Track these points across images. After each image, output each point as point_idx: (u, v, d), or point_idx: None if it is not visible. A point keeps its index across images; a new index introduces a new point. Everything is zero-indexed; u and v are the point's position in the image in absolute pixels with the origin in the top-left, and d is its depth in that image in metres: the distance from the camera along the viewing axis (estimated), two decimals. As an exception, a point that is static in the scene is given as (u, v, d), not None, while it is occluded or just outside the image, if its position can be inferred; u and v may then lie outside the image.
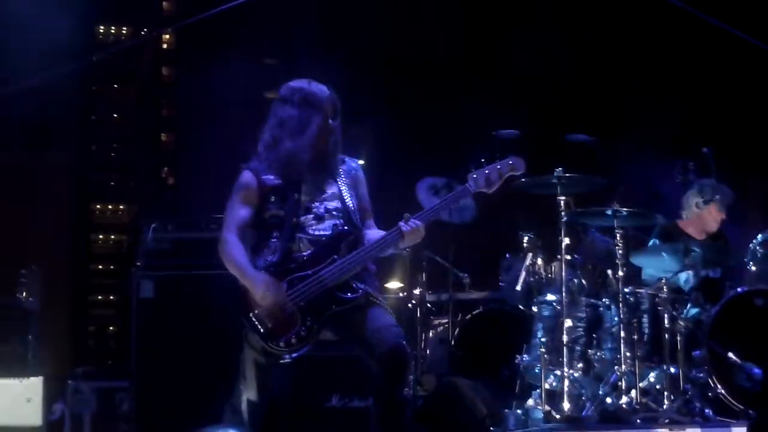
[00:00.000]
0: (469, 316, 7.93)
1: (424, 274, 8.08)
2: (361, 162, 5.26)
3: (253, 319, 4.72)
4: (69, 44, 8.68)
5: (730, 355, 6.44)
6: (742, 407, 6.36)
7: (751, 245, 6.99)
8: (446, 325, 8.09)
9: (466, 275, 8.53)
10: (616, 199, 6.54)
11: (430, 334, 8.23)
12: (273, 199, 4.90)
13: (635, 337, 6.42)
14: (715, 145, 7.56)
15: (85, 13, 8.94)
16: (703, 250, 6.70)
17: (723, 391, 6.43)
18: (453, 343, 7.79)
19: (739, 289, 6.72)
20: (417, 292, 8.13)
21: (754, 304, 6.64)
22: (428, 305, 8.20)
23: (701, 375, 6.51)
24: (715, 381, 6.46)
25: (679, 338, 6.48)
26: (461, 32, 8.01)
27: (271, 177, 4.92)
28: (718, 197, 7.33)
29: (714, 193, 7.33)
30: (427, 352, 8.05)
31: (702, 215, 7.37)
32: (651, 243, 7.18)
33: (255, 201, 4.91)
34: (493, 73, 8.32)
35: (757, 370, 6.37)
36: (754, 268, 6.96)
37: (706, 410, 6.29)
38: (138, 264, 6.66)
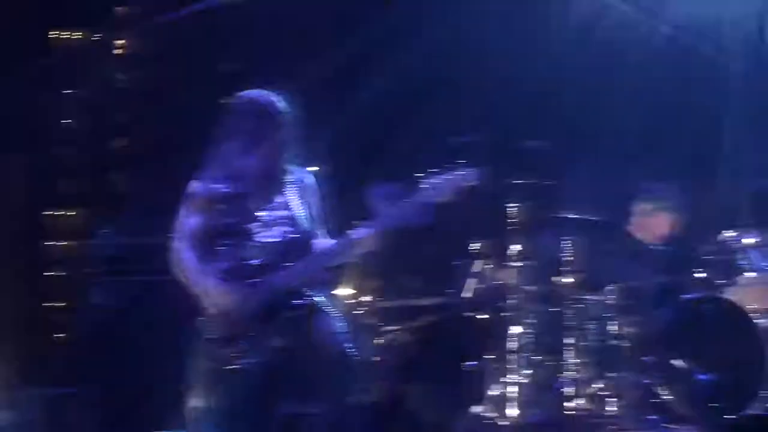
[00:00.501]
0: (422, 322, 7.95)
1: (375, 281, 8.09)
2: (315, 169, 5.28)
3: (204, 325, 4.74)
4: (21, 48, 8.64)
5: (679, 361, 6.51)
6: (690, 414, 6.42)
7: (701, 249, 7.05)
8: (398, 332, 8.10)
9: (418, 281, 8.54)
10: (568, 205, 6.62)
11: (382, 341, 8.23)
12: (223, 208, 4.92)
13: (585, 343, 6.50)
14: (671, 146, 7.66)
15: (39, 17, 8.88)
16: (654, 255, 6.76)
17: (671, 398, 6.50)
18: (404, 350, 7.80)
19: (689, 295, 6.81)
20: (368, 298, 8.13)
21: (704, 311, 6.72)
22: (380, 312, 8.21)
23: (650, 381, 6.57)
24: (664, 387, 6.52)
25: (628, 344, 6.55)
26: (418, 36, 8.04)
27: (221, 186, 4.94)
28: (669, 202, 7.40)
29: (665, 198, 7.40)
30: (378, 359, 8.05)
31: (653, 220, 7.42)
32: (602, 248, 7.18)
33: (205, 210, 4.92)
34: (448, 78, 8.34)
35: (705, 377, 6.45)
36: (705, 274, 7.01)
37: (654, 417, 6.36)
38: (89, 270, 6.64)
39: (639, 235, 7.44)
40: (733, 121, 8.01)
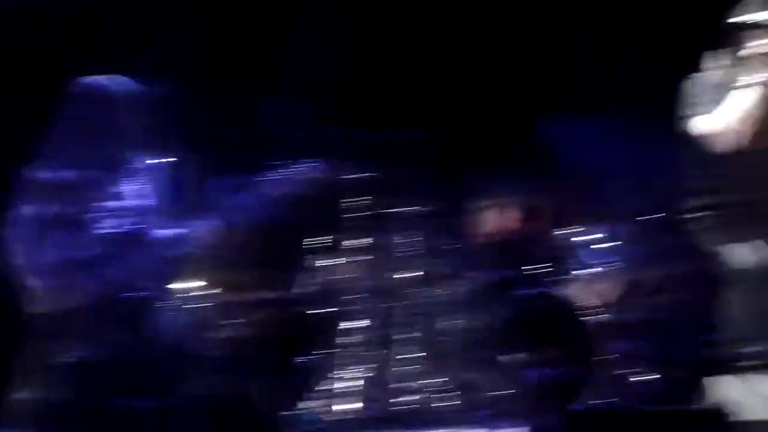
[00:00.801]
0: (261, 316, 7.93)
1: (216, 274, 8.03)
2: (163, 159, 5.22)
3: (36, 317, 4.65)
4: None
5: (516, 356, 6.63)
6: (521, 409, 6.51)
7: (543, 245, 7.20)
8: (236, 326, 8.06)
9: (259, 275, 8.51)
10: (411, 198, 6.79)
11: (220, 335, 8.18)
12: (58, 196, 4.82)
13: (421, 337, 6.60)
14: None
15: None
16: (494, 251, 6.93)
17: (509, 393, 6.60)
18: (242, 344, 7.76)
19: (527, 291, 6.89)
20: (208, 292, 8.07)
21: (542, 306, 6.85)
22: (219, 306, 8.16)
23: (486, 376, 6.65)
24: (500, 382, 6.62)
25: (463, 339, 6.66)
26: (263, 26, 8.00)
27: (57, 174, 4.84)
28: (509, 198, 7.48)
29: (508, 196, 7.47)
30: (216, 353, 8.01)
31: (492, 216, 7.49)
32: (440, 243, 7.20)
33: (38, 198, 4.82)
34: (293, 67, 8.30)
35: (532, 372, 6.59)
36: (541, 270, 7.08)
37: (490, 412, 6.46)
38: None
39: (477, 229, 7.48)
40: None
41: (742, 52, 5.09)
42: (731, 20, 5.16)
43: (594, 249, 7.21)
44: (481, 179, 7.54)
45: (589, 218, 7.33)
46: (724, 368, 4.96)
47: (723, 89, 5.10)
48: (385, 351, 6.73)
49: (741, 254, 5.00)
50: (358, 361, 6.58)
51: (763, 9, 5.10)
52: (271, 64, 8.04)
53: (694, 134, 5.14)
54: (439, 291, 6.88)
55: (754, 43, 5.04)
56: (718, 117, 5.04)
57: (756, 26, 5.06)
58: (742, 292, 4.98)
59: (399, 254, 6.96)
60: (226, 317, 8.34)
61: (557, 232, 7.24)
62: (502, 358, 6.65)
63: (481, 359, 6.74)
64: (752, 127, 4.99)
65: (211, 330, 7.95)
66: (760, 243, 5.01)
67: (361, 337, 6.71)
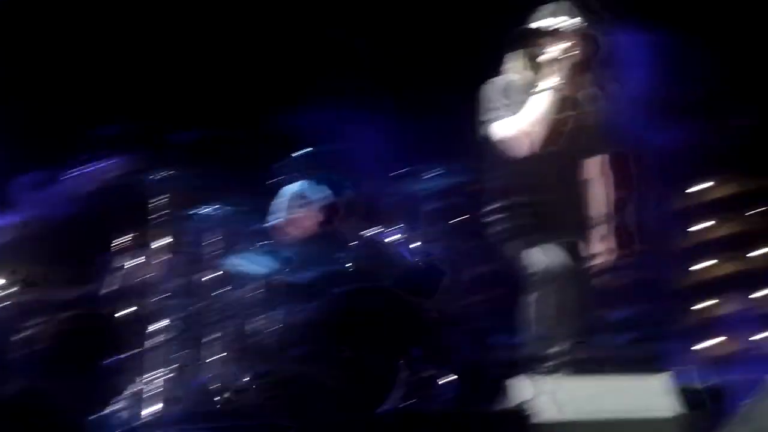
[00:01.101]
0: (62, 316, 7.77)
1: (17, 272, 7.83)
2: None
3: None
4: None
5: (326, 354, 6.60)
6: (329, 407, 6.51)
7: (353, 245, 7.26)
8: (38, 326, 7.88)
9: (61, 273, 8.33)
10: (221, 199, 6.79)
11: (21, 334, 7.98)
12: None
13: (231, 337, 6.60)
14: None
15: None
16: (303, 250, 6.99)
17: (314, 391, 6.55)
18: (44, 344, 7.59)
19: (339, 289, 6.91)
20: (8, 291, 7.86)
21: (355, 303, 6.83)
22: (20, 305, 7.95)
23: (297, 375, 6.54)
24: (319, 380, 6.57)
25: (275, 338, 6.70)
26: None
27: None
28: (316, 198, 7.57)
29: (311, 195, 7.57)
30: (18, 352, 7.80)
31: (301, 216, 7.55)
32: (252, 243, 7.28)
33: None
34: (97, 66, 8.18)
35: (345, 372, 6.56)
36: (352, 269, 7.17)
37: (294, 409, 6.45)
38: None
39: (290, 229, 7.54)
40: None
41: (536, 58, 5.26)
42: (524, 26, 5.32)
43: (397, 249, 7.31)
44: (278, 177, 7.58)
45: (386, 218, 7.44)
46: (523, 369, 5.04)
47: (517, 93, 5.23)
48: (189, 351, 6.70)
49: (537, 257, 5.10)
50: (164, 362, 6.52)
51: (554, 16, 5.28)
52: (74, 61, 7.93)
53: (490, 137, 5.26)
54: (243, 290, 6.88)
55: (547, 49, 5.21)
56: (512, 121, 5.16)
57: (547, 33, 5.23)
58: (538, 294, 5.07)
59: (202, 253, 6.93)
60: (28, 316, 8.14)
61: (372, 231, 7.33)
62: (306, 356, 6.65)
63: (286, 357, 6.74)
64: (544, 132, 5.14)
65: (11, 329, 7.75)
66: (554, 246, 5.14)
67: (166, 337, 6.64)
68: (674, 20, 8.51)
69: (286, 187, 7.66)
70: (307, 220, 7.58)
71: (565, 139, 5.25)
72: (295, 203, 7.58)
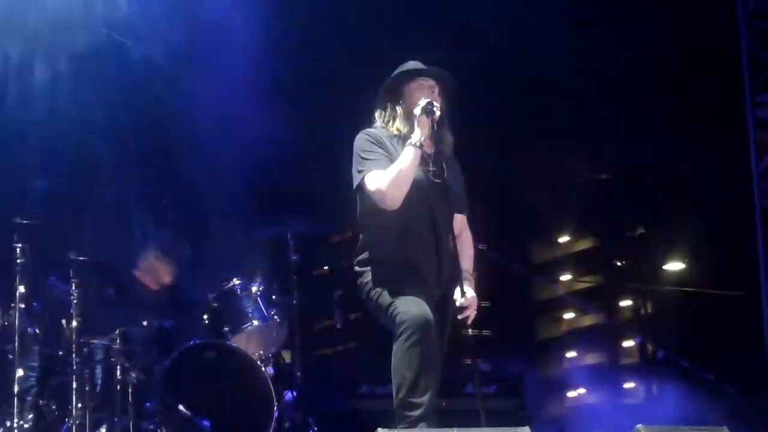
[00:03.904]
0: None
1: None
2: None
3: None
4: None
5: (181, 407, 6.76)
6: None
7: (208, 297, 7.39)
8: None
9: None
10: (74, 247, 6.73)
11: None
12: None
13: (87, 387, 6.58)
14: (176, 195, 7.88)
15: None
16: (157, 300, 7.07)
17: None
18: None
19: (192, 342, 7.05)
20: None
21: (206, 357, 7.01)
22: None
23: (152, 427, 6.79)
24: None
25: (131, 389, 6.73)
26: None
27: None
28: (173, 250, 7.64)
29: (169, 247, 7.63)
30: None
31: (156, 267, 7.61)
32: (107, 292, 7.31)
33: None
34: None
35: (206, 423, 6.76)
36: (207, 321, 7.35)
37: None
38: None
39: (145, 279, 7.59)
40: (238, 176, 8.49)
41: (405, 110, 5.42)
42: (393, 78, 5.48)
43: (266, 300, 7.43)
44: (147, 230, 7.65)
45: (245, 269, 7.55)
46: (388, 419, 5.16)
47: (388, 145, 5.38)
48: (53, 400, 6.66)
49: (405, 308, 5.16)
50: (27, 411, 6.49)
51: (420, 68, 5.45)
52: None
53: (361, 189, 5.36)
54: (107, 340, 6.89)
55: (416, 101, 5.37)
56: (383, 174, 5.28)
57: (416, 86, 5.42)
58: (405, 345, 5.11)
59: (61, 302, 6.87)
60: None
61: (230, 283, 7.42)
62: (172, 408, 6.75)
63: (151, 409, 6.85)
64: (405, 187, 5.25)
65: None
66: (422, 298, 5.22)
67: (28, 385, 6.59)
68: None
69: (140, 239, 7.71)
70: (164, 271, 7.64)
71: (433, 193, 5.39)
72: (149, 254, 7.61)
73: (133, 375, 6.81)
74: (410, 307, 5.18)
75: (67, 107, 7.79)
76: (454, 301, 5.32)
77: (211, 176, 8.39)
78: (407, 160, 5.28)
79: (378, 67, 5.72)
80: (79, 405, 6.52)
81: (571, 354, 18.24)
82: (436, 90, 5.49)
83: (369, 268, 5.40)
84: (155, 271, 7.63)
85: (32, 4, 7.71)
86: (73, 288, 6.72)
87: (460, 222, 5.58)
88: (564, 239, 20.42)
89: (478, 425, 5.11)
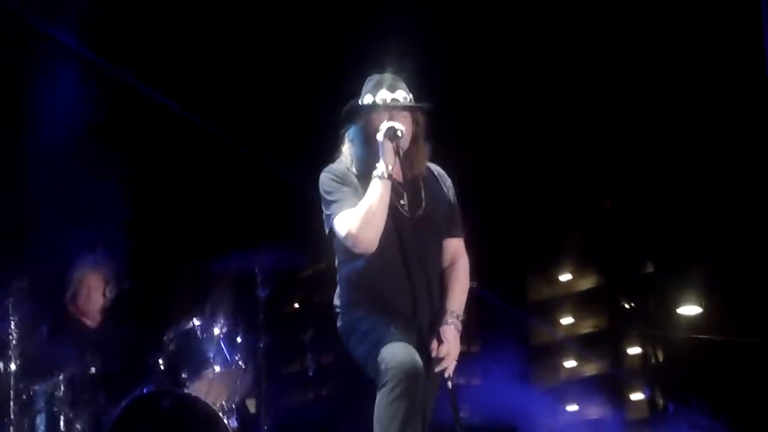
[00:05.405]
0: None
1: None
2: None
3: None
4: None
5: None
6: None
7: (163, 338, 6.96)
8: None
9: None
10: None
11: None
12: None
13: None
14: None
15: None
16: (100, 339, 6.88)
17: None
18: None
19: (145, 389, 6.70)
20: None
21: (161, 407, 6.61)
22: None
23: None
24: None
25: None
26: None
27: None
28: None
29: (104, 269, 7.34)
30: None
31: (90, 280, 7.29)
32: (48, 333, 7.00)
33: None
34: None
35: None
36: (163, 367, 6.90)
37: None
38: None
39: (83, 318, 7.29)
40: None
41: (371, 136, 5.00)
42: (357, 102, 5.10)
43: (230, 343, 7.05)
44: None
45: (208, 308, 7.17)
46: None
47: (355, 179, 5.03)
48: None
49: (389, 353, 4.83)
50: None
51: (387, 89, 5.03)
52: None
53: (333, 232, 5.03)
54: (50, 387, 6.57)
55: (382, 125, 4.95)
56: (353, 214, 4.93)
57: (382, 108, 5.00)
58: (387, 391, 4.79)
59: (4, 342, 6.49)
60: None
61: (189, 324, 7.03)
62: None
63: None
64: (379, 225, 4.90)
65: None
66: (405, 344, 4.87)
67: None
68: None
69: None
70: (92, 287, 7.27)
71: (409, 226, 5.02)
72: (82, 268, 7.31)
73: (79, 427, 6.49)
74: (396, 353, 4.86)
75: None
76: (439, 347, 4.96)
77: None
78: (375, 195, 4.93)
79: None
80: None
81: (571, 407, 17.80)
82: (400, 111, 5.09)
83: (347, 313, 5.10)
84: (88, 288, 7.25)
85: None
86: (12, 327, 6.38)
87: (454, 248, 5.22)
88: (565, 277, 19.93)
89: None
